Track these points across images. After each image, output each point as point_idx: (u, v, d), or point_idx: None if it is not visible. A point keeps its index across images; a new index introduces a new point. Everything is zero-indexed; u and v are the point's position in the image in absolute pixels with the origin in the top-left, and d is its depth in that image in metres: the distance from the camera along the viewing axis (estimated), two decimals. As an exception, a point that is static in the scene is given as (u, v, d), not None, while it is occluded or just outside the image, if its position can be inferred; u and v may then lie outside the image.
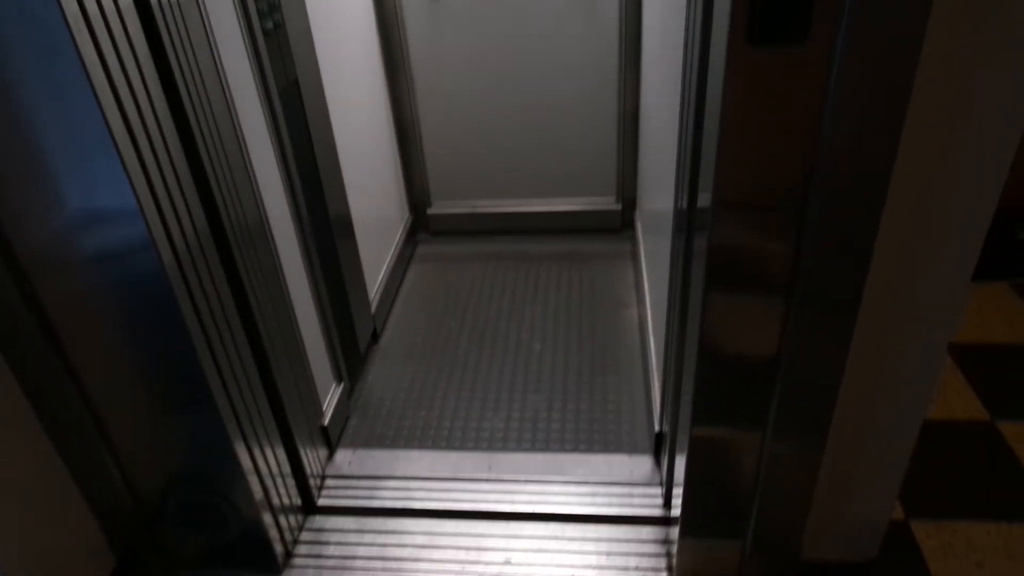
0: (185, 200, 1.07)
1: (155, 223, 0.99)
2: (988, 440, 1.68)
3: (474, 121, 2.45)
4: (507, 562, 1.44)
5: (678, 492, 1.30)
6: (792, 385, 1.10)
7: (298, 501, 1.53)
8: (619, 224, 2.59)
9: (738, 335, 1.08)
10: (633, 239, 2.51)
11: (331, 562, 1.47)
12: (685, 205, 1.19)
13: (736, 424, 1.17)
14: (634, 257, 2.44)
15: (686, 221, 1.19)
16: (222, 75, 1.17)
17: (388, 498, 1.60)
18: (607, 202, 2.57)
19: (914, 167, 0.93)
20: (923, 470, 1.59)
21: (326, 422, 1.66)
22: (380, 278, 2.22)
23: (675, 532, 1.34)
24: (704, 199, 1.02)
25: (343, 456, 1.72)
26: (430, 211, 2.64)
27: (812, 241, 0.98)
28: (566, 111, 2.40)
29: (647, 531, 1.48)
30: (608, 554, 1.45)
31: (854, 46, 0.82)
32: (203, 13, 1.11)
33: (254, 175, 1.29)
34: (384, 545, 1.50)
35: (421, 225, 2.68)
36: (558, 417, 1.81)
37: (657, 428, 1.62)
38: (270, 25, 1.36)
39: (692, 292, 1.15)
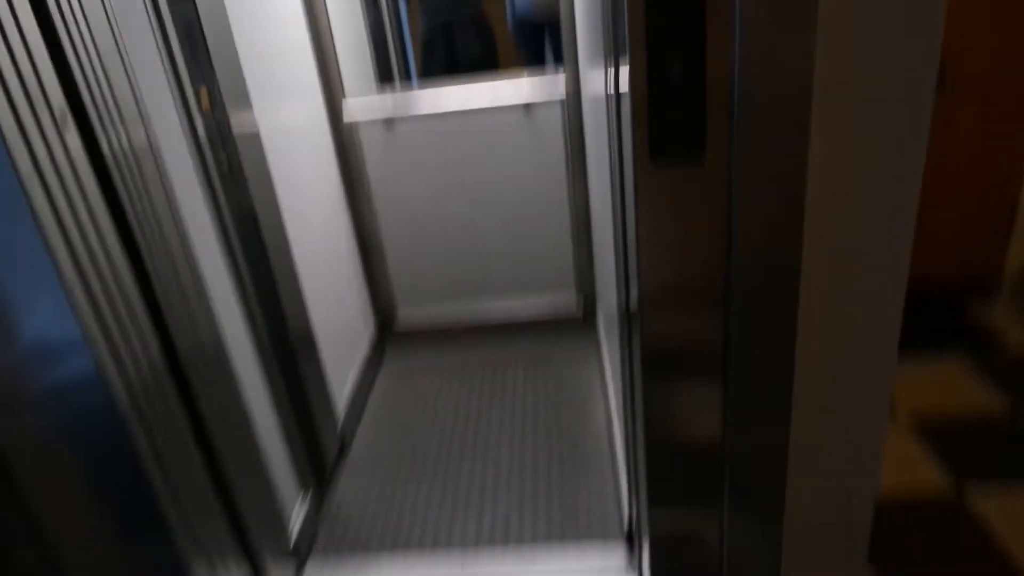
0: (138, 330, 1.11)
1: (105, 356, 1.03)
2: (952, 513, 1.69)
3: (435, 230, 2.55)
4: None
5: (647, 576, 1.30)
6: (740, 466, 1.14)
7: (265, 626, 1.49)
8: (582, 320, 2.66)
9: (681, 423, 1.12)
10: (596, 334, 2.57)
11: None
12: (624, 300, 1.25)
13: (693, 506, 1.19)
14: (598, 352, 2.49)
15: (625, 316, 1.25)
16: (175, 210, 1.24)
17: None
18: (569, 299, 2.65)
19: (821, 252, 0.99)
20: (893, 546, 1.59)
21: (293, 539, 1.64)
22: (348, 388, 2.24)
23: (651, 618, 1.33)
24: (634, 294, 1.08)
25: (313, 569, 1.69)
26: (397, 317, 2.69)
27: (738, 330, 1.04)
28: (522, 212, 2.50)
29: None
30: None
31: (746, 157, 0.91)
32: (156, 157, 1.19)
33: (210, 300, 1.34)
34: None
35: (388, 336, 2.72)
36: (530, 513, 1.80)
37: (627, 515, 1.62)
38: (225, 167, 1.45)
39: (635, 384, 1.19)
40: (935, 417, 2.00)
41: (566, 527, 1.75)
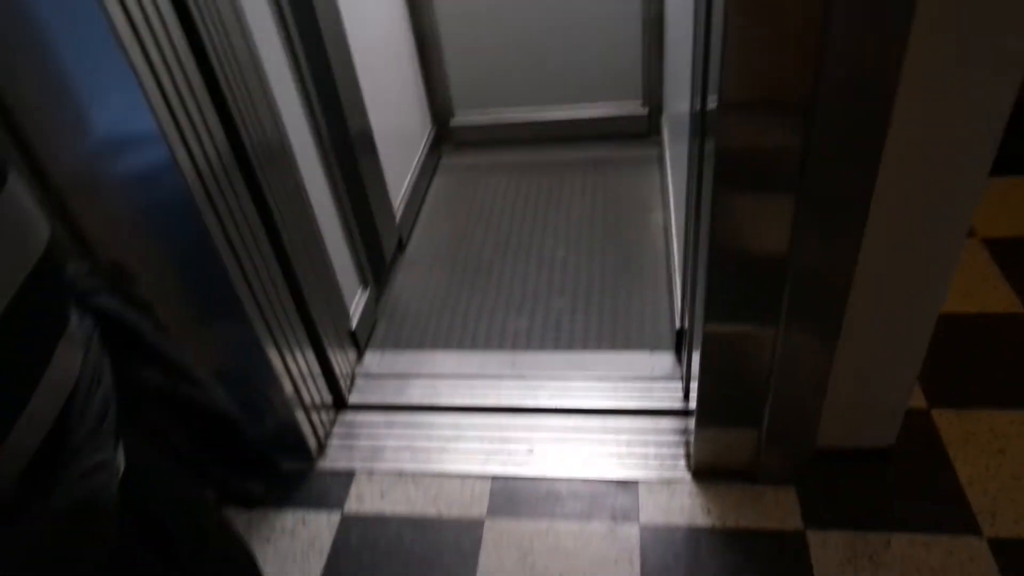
0: (206, 123, 1.11)
1: (178, 147, 1.04)
2: (1021, 332, 1.66)
3: (495, 28, 2.40)
4: (530, 451, 1.53)
5: (695, 385, 1.35)
6: (803, 280, 1.12)
7: (329, 399, 1.63)
8: (646, 129, 2.55)
9: (749, 234, 1.10)
10: (660, 144, 2.48)
11: (362, 452, 1.58)
12: (699, 108, 1.18)
13: (749, 318, 1.20)
14: (660, 161, 2.42)
15: (699, 124, 1.19)
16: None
17: (416, 394, 1.69)
18: (633, 107, 2.53)
19: (925, 57, 0.90)
20: (951, 361, 1.59)
21: (354, 326, 1.74)
22: (404, 189, 2.26)
23: (693, 423, 1.40)
24: (712, 101, 1.02)
25: (372, 357, 1.81)
26: (453, 122, 2.63)
27: (821, 140, 0.98)
28: (589, 14, 2.33)
29: (666, 422, 1.55)
30: (628, 443, 1.52)
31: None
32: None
33: (271, 94, 1.31)
34: (412, 437, 1.60)
35: (445, 136, 2.68)
36: (581, 318, 1.86)
37: (678, 326, 1.66)
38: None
39: (704, 193, 1.16)
40: (1012, 239, 1.92)
41: (616, 333, 1.81)
